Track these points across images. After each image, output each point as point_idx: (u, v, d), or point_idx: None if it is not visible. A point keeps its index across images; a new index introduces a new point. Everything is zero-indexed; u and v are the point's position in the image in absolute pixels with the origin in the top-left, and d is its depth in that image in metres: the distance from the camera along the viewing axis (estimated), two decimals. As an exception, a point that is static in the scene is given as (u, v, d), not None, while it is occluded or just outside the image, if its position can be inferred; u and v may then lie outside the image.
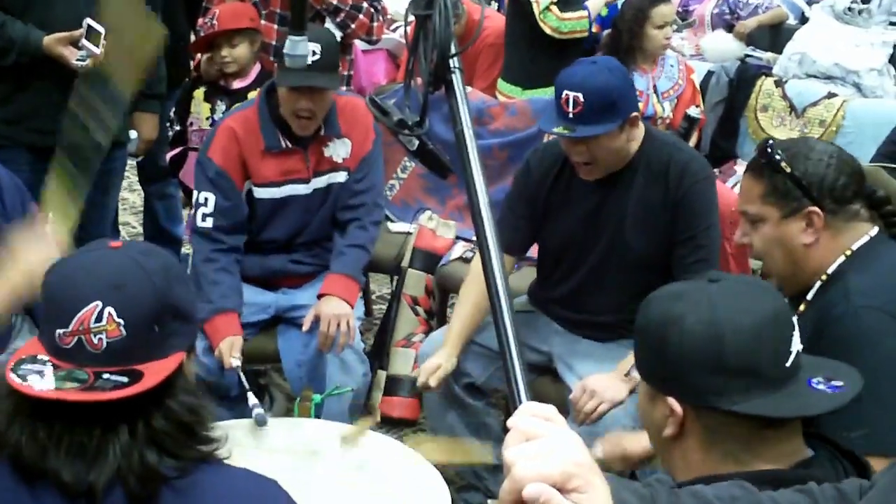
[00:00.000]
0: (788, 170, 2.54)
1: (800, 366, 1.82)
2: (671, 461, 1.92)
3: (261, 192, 4.00)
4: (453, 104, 1.68)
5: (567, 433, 1.25)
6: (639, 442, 2.82)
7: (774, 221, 2.58)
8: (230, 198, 3.96)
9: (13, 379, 1.70)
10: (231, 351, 3.74)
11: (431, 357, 3.60)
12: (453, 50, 1.73)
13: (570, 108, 3.34)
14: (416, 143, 1.88)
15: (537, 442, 1.23)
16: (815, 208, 2.53)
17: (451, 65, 1.72)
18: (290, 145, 3.96)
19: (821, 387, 1.80)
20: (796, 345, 1.82)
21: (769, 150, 2.58)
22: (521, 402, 1.36)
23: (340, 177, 4.08)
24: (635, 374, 1.98)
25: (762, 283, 1.93)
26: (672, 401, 1.83)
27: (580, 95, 3.33)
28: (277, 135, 3.94)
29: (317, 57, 3.67)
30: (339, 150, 4.04)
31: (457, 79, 1.71)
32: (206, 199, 3.96)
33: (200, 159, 4.02)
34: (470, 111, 1.72)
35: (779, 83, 6.26)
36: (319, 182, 4.05)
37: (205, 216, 3.97)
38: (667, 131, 4.89)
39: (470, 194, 1.59)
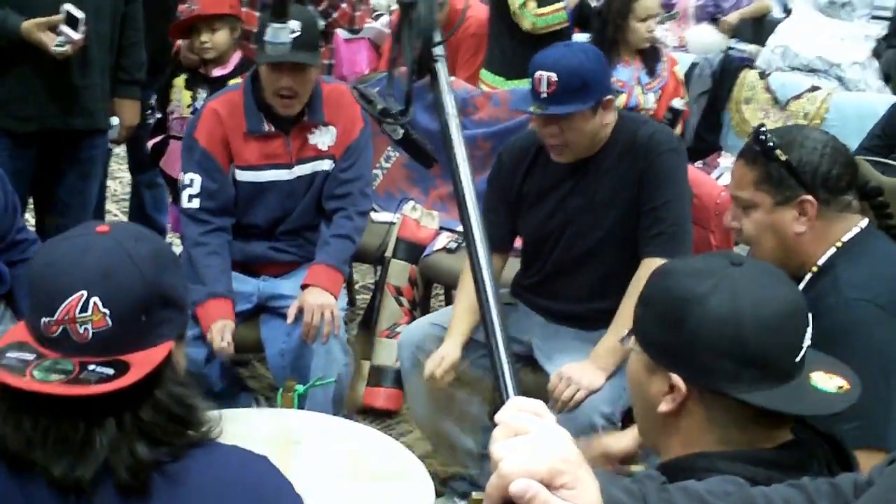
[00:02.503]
0: (783, 157, 2.53)
1: (806, 360, 1.80)
2: (659, 437, 1.88)
3: (242, 175, 3.99)
4: (438, 93, 1.65)
5: (555, 429, 1.24)
6: (619, 441, 2.81)
7: (767, 208, 2.58)
8: (216, 179, 3.96)
9: None
10: (222, 334, 3.72)
11: (436, 351, 3.59)
12: (437, 38, 1.71)
13: (544, 88, 3.37)
14: (401, 132, 1.86)
15: (525, 437, 1.22)
16: (809, 197, 2.52)
17: (436, 53, 1.69)
18: (272, 129, 3.95)
19: (822, 385, 1.78)
20: (808, 340, 1.80)
21: (763, 136, 2.56)
22: (509, 397, 1.34)
23: (325, 165, 4.06)
24: (630, 343, 1.93)
25: (782, 274, 1.88)
26: (676, 378, 1.79)
27: (553, 75, 3.35)
28: (261, 118, 3.94)
29: (297, 34, 3.65)
30: (323, 137, 4.02)
31: (441, 67, 1.69)
32: (191, 180, 3.96)
33: (187, 140, 4.02)
34: (455, 101, 1.70)
35: (762, 76, 6.26)
36: (303, 169, 4.03)
37: (191, 197, 3.96)
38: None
39: (456, 184, 1.57)
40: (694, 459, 1.77)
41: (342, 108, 4.04)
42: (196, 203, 3.95)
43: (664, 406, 1.82)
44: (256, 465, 1.83)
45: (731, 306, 1.75)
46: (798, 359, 1.77)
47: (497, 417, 1.26)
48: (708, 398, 1.78)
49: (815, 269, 2.55)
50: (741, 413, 1.76)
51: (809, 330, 1.80)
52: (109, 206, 6.74)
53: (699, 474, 1.63)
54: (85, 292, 1.70)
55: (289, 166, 4.01)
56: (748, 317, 1.74)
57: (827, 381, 1.79)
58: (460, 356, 3.58)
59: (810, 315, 1.83)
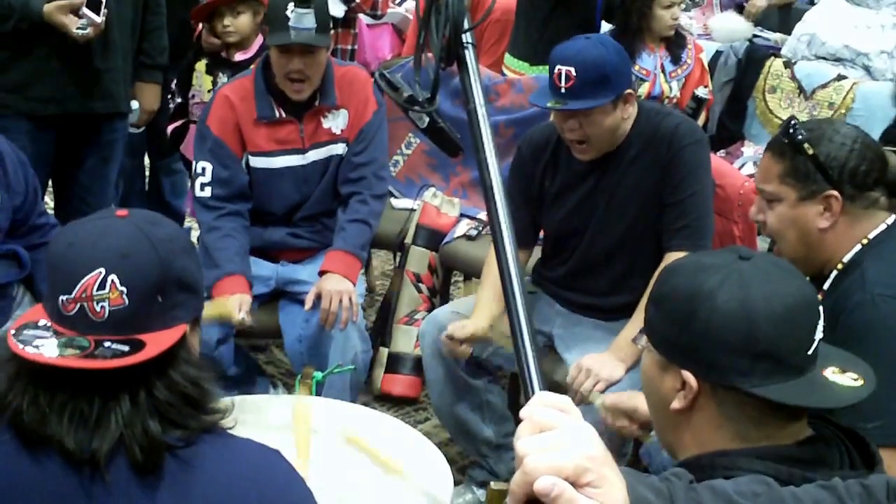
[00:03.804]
0: (811, 151, 2.50)
1: (818, 354, 1.79)
2: (672, 434, 1.87)
3: (256, 162, 3.99)
4: (466, 81, 1.63)
5: (582, 425, 1.22)
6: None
7: (791, 202, 2.55)
8: (228, 167, 3.94)
9: (14, 343, 1.69)
10: (240, 307, 3.70)
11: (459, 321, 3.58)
12: (466, 25, 1.68)
13: (563, 83, 3.32)
14: (427, 120, 1.84)
15: (551, 433, 1.20)
16: (835, 193, 2.49)
17: (465, 40, 1.67)
18: (283, 115, 3.93)
19: (836, 378, 1.77)
20: (819, 333, 1.78)
21: (792, 129, 2.53)
22: (534, 392, 1.32)
23: (339, 149, 4.04)
24: (643, 342, 1.91)
25: (791, 267, 1.87)
26: (688, 375, 1.78)
27: (572, 69, 3.31)
28: (272, 104, 3.93)
29: (294, 17, 3.64)
30: (336, 121, 4.01)
31: (470, 54, 1.66)
32: (203, 168, 3.96)
33: (199, 128, 4.01)
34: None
35: (788, 64, 6.21)
36: (317, 154, 4.02)
37: (203, 185, 3.96)
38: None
39: (483, 175, 1.54)
40: (714, 458, 1.76)
41: (354, 90, 4.03)
42: (208, 191, 3.95)
43: (677, 403, 1.81)
44: (268, 459, 1.84)
45: (741, 300, 1.74)
46: (810, 352, 1.76)
47: (522, 413, 1.24)
48: (720, 394, 1.77)
49: (840, 266, 2.52)
50: (754, 408, 1.75)
51: (821, 323, 1.78)
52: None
53: (720, 472, 1.62)
54: (103, 270, 1.73)
55: (302, 151, 4.00)
56: (758, 310, 1.73)
57: (841, 375, 1.78)
58: (481, 332, 3.54)
59: (821, 308, 1.82)
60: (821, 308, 1.82)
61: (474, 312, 3.62)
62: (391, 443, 3.00)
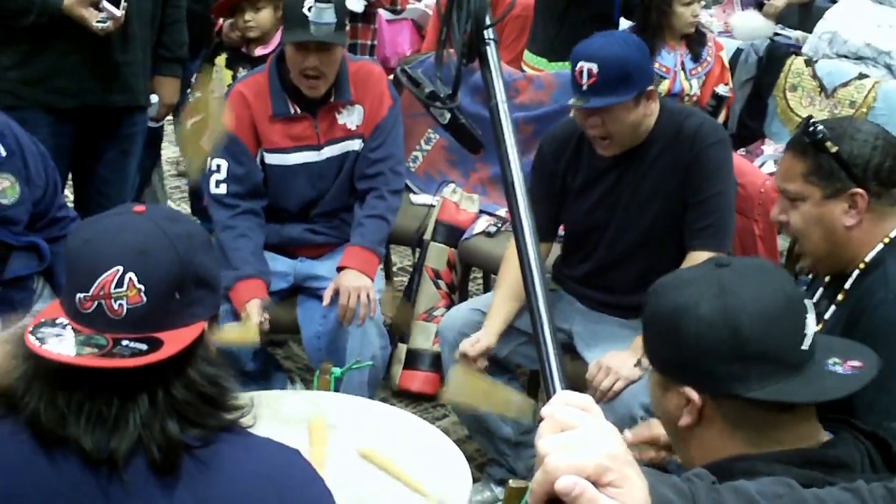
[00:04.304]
0: (833, 149, 2.48)
1: (816, 348, 1.79)
2: (688, 450, 1.89)
3: (271, 158, 3.98)
4: (488, 77, 1.62)
5: (603, 425, 1.21)
6: None
7: (815, 201, 2.53)
8: (243, 163, 3.94)
9: (32, 342, 1.67)
10: (259, 311, 3.71)
11: (474, 334, 3.57)
12: (488, 21, 1.67)
13: (585, 80, 3.32)
14: (448, 116, 1.83)
15: (572, 433, 1.20)
16: (860, 190, 2.48)
17: (486, 36, 1.66)
18: (298, 111, 3.93)
19: (837, 369, 1.78)
20: (811, 327, 1.79)
21: (813, 128, 2.51)
22: (555, 391, 1.31)
23: (355, 145, 4.04)
24: (646, 363, 1.93)
25: (771, 266, 1.90)
26: (689, 390, 1.80)
27: (594, 66, 3.31)
28: (286, 100, 3.92)
29: (315, 13, 3.63)
30: (351, 116, 4.00)
31: (491, 51, 1.66)
32: (218, 165, 3.95)
33: None
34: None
35: (809, 63, 6.18)
36: (333, 150, 4.02)
37: (218, 182, 3.96)
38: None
39: (504, 172, 1.53)
40: (732, 462, 1.76)
41: (369, 86, 4.02)
42: (223, 188, 3.94)
43: (684, 420, 1.82)
44: (288, 458, 1.83)
45: (722, 307, 1.75)
46: (805, 347, 1.76)
47: (543, 412, 1.24)
48: (723, 403, 1.78)
49: (863, 264, 2.50)
50: (757, 412, 1.76)
51: (810, 316, 1.79)
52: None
53: (739, 477, 1.61)
54: (120, 268, 1.71)
55: (317, 148, 3.99)
56: (740, 314, 1.74)
57: (842, 365, 1.78)
58: (494, 344, 3.56)
59: (808, 302, 1.83)
60: (807, 302, 1.83)
61: (488, 318, 3.62)
62: (408, 439, 2.99)
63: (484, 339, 3.55)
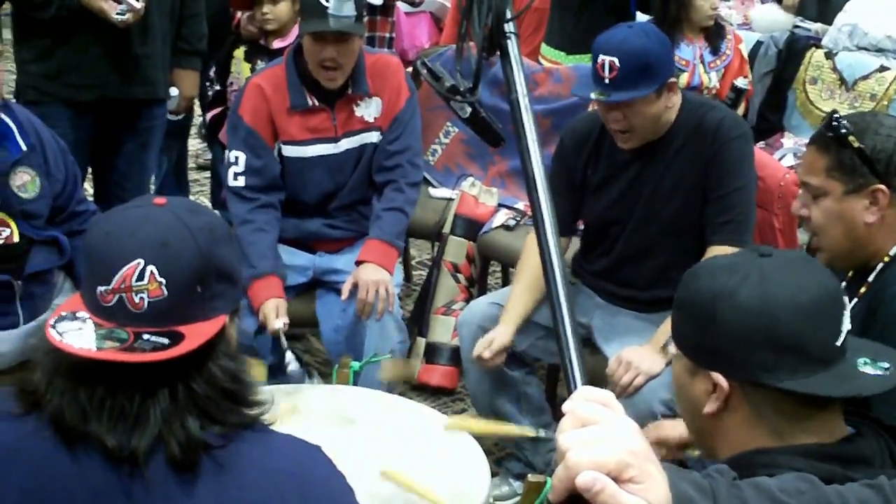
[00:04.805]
0: (856, 144, 2.47)
1: (847, 346, 1.78)
2: (710, 439, 1.87)
3: (288, 151, 3.98)
4: (508, 71, 1.62)
5: (624, 420, 1.21)
6: (676, 427, 2.77)
7: (837, 196, 2.52)
8: (261, 156, 3.94)
9: (53, 335, 1.67)
10: (276, 313, 3.71)
11: (488, 333, 3.58)
12: (509, 14, 1.67)
13: (606, 73, 3.31)
14: (469, 110, 1.83)
15: (593, 428, 1.20)
16: (882, 186, 2.46)
17: (507, 30, 1.65)
18: (316, 103, 3.92)
19: (868, 369, 1.77)
20: (846, 324, 1.78)
21: (836, 123, 2.50)
22: (576, 386, 1.31)
23: (373, 137, 4.03)
24: (672, 349, 1.91)
25: (813, 260, 1.90)
26: (717, 376, 1.78)
27: (615, 60, 3.30)
28: (304, 92, 3.92)
29: (335, 4, 3.63)
30: (369, 109, 3.99)
31: (512, 44, 1.65)
32: (236, 157, 3.95)
33: (231, 117, 4.01)
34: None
35: (829, 55, 6.15)
36: (350, 142, 4.01)
37: (236, 175, 3.95)
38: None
39: (525, 163, 1.53)
40: (753, 455, 1.76)
41: (387, 78, 4.01)
42: (241, 181, 3.94)
43: (709, 406, 1.81)
44: (309, 455, 1.82)
45: (761, 296, 1.74)
46: (838, 343, 1.75)
47: (565, 407, 1.24)
48: (750, 392, 1.77)
49: (887, 257, 2.49)
50: (786, 403, 1.75)
51: (846, 314, 1.78)
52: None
53: (760, 470, 1.61)
54: (142, 261, 1.69)
55: (334, 140, 3.99)
56: (779, 303, 1.73)
57: (872, 366, 1.77)
58: (510, 342, 3.57)
59: (846, 299, 1.82)
60: (846, 299, 1.82)
61: (504, 312, 3.63)
62: (426, 432, 2.99)
63: (499, 338, 3.55)
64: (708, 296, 1.79)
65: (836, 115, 2.53)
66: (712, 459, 1.87)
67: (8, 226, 3.25)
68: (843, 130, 2.48)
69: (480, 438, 3.00)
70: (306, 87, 3.92)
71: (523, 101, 1.58)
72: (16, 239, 3.27)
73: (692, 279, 1.87)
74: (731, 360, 1.76)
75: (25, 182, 3.28)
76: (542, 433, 3.23)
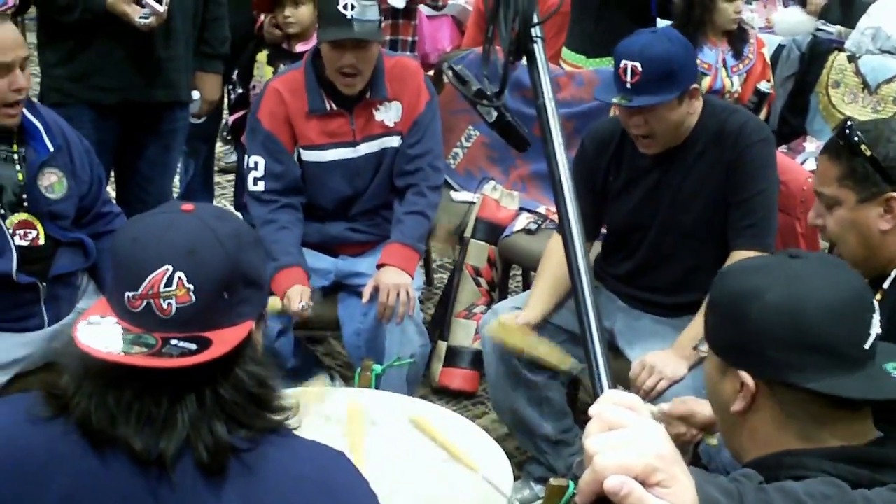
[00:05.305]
0: (868, 153, 2.46)
1: (877, 350, 1.78)
2: (737, 438, 1.88)
3: (307, 155, 3.98)
4: (535, 75, 1.62)
5: (651, 424, 1.21)
6: (705, 409, 2.76)
7: (850, 205, 2.51)
8: (280, 160, 3.95)
9: (81, 340, 1.67)
10: (301, 296, 3.73)
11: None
12: (536, 19, 1.67)
13: (628, 78, 3.31)
14: (495, 114, 1.83)
15: (620, 432, 1.20)
16: (895, 194, 2.45)
17: (534, 34, 1.66)
18: (334, 108, 3.93)
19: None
20: (875, 328, 1.78)
21: (848, 131, 2.49)
22: (603, 390, 1.31)
23: (394, 141, 4.03)
24: (704, 348, 1.92)
25: (843, 263, 1.91)
26: (744, 375, 1.78)
27: (638, 65, 3.29)
28: (322, 97, 3.92)
29: (358, 10, 3.63)
30: (389, 113, 3.99)
31: (539, 49, 1.65)
32: (255, 162, 3.96)
33: (250, 122, 4.02)
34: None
35: (852, 59, 6.12)
36: (370, 147, 4.01)
37: (256, 180, 3.96)
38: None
39: (551, 167, 1.53)
40: (780, 457, 1.75)
41: (406, 82, 4.01)
42: (261, 186, 3.95)
43: (737, 405, 1.81)
44: (333, 462, 1.82)
45: (791, 296, 1.75)
46: (867, 346, 1.75)
47: (591, 410, 1.24)
48: (778, 392, 1.77)
49: None
50: (813, 404, 1.74)
51: (876, 317, 1.78)
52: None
53: (786, 472, 1.60)
54: (170, 267, 1.70)
55: (353, 144, 3.99)
56: (809, 305, 1.73)
57: None
58: (535, 320, 3.58)
59: (875, 302, 1.81)
60: (875, 303, 1.81)
61: (527, 306, 3.64)
62: (449, 436, 2.99)
63: (524, 315, 3.58)
64: (738, 295, 1.80)
65: (848, 124, 2.53)
66: (740, 460, 1.87)
67: (34, 227, 3.27)
68: (856, 138, 2.47)
69: (500, 441, 3.00)
70: (325, 92, 3.92)
71: (550, 106, 1.58)
72: (42, 241, 3.28)
73: (723, 279, 1.88)
74: (758, 358, 1.76)
75: (53, 182, 3.31)
76: (576, 369, 3.21)
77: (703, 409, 2.75)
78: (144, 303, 1.70)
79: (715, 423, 2.68)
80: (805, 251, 1.88)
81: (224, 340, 1.71)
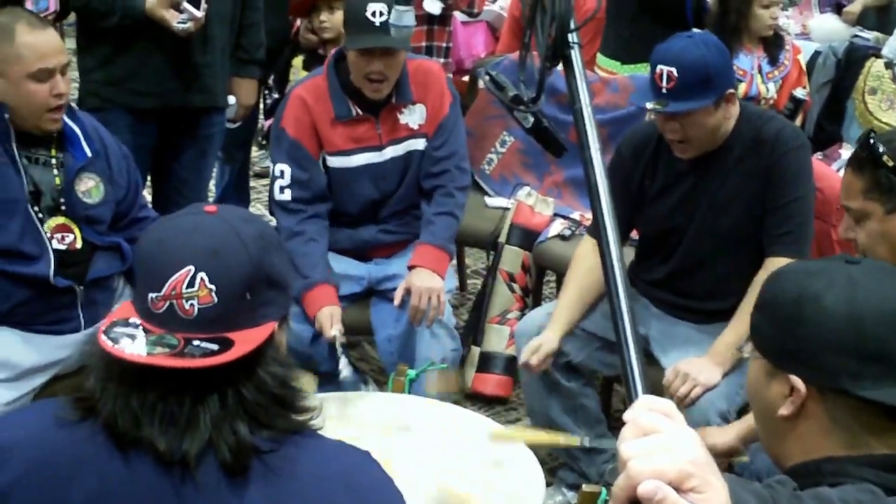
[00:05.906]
0: (891, 163, 2.45)
1: None
2: (781, 444, 1.84)
3: (333, 161, 3.99)
4: (572, 81, 1.62)
5: (685, 430, 1.21)
6: (723, 435, 2.75)
7: (878, 217, 2.50)
8: (306, 168, 3.95)
9: (105, 342, 1.69)
10: (331, 321, 3.73)
11: (535, 338, 3.57)
12: (573, 24, 1.67)
13: (664, 83, 3.31)
14: (531, 119, 1.83)
15: (654, 438, 1.20)
16: None
17: (571, 40, 1.66)
18: (360, 113, 3.93)
19: None
20: None
21: (871, 142, 2.48)
22: (637, 396, 1.31)
23: (419, 144, 4.05)
24: (747, 350, 1.89)
25: None
26: (795, 379, 1.74)
27: (674, 70, 3.29)
28: (347, 102, 3.93)
29: (385, 17, 3.62)
30: (413, 116, 4.00)
31: (576, 54, 1.65)
32: (281, 171, 3.97)
33: (275, 130, 4.02)
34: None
35: (889, 65, 6.08)
36: (396, 150, 4.03)
37: (282, 188, 3.97)
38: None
39: (588, 173, 1.53)
40: (821, 464, 1.72)
41: (429, 85, 4.02)
42: (288, 194, 3.96)
43: (785, 410, 1.78)
44: (358, 461, 1.83)
45: (849, 302, 1.71)
46: None
47: (626, 416, 1.24)
48: (829, 398, 1.73)
49: None
50: (865, 413, 1.71)
51: None
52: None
53: (827, 479, 1.59)
54: (192, 268, 1.71)
55: (379, 148, 4.00)
56: (867, 312, 1.70)
57: None
58: (556, 347, 3.57)
59: None
60: None
61: (552, 319, 3.63)
62: (481, 442, 3.00)
63: (546, 344, 3.56)
64: (794, 298, 1.76)
65: (871, 135, 2.51)
66: (781, 465, 1.85)
67: (72, 231, 3.30)
68: (879, 150, 2.46)
69: (533, 448, 3.01)
70: (349, 97, 3.93)
71: (587, 112, 1.58)
72: (79, 245, 3.31)
73: (776, 281, 1.84)
74: (812, 364, 1.73)
75: (90, 188, 3.33)
76: (587, 443, 3.21)
77: (721, 438, 2.74)
78: (167, 304, 1.72)
79: (737, 447, 2.68)
80: (860, 258, 1.84)
81: (246, 341, 1.72)
